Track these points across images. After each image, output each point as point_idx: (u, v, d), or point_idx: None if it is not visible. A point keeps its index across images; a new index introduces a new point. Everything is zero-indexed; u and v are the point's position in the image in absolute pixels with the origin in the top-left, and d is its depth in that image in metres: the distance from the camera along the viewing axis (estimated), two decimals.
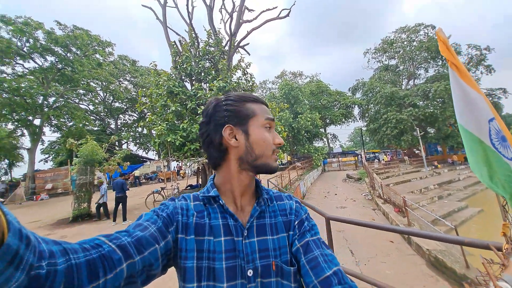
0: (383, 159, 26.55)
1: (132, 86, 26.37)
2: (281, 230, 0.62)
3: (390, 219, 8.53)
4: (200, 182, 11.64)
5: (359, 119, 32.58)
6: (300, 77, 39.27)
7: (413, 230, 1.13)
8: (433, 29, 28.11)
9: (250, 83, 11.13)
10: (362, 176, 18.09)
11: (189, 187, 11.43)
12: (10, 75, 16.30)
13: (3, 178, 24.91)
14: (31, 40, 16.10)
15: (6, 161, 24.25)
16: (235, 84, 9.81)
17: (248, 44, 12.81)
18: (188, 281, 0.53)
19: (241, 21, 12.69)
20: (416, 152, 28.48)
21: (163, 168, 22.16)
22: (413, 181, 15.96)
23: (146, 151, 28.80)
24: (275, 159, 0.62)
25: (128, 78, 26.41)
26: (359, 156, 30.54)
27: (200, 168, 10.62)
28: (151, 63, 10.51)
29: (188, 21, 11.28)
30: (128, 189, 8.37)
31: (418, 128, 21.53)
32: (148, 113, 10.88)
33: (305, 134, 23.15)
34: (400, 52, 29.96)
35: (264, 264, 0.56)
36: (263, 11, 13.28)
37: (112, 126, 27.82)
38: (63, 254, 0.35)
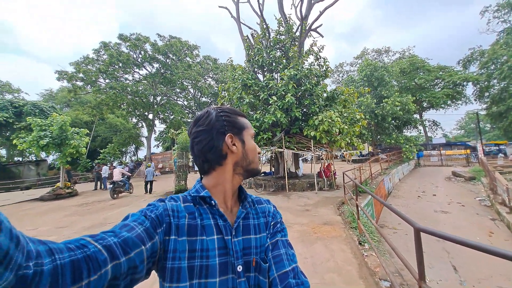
0: None
1: (214, 82, 29.70)
2: (262, 230, 0.69)
3: None
4: (273, 169, 12.05)
5: (474, 100, 25.00)
6: (386, 54, 33.37)
7: None
8: None
9: (324, 68, 10.35)
10: (477, 175, 14.00)
11: (263, 174, 12.06)
12: (130, 81, 21.53)
13: (133, 158, 34.07)
14: (142, 52, 20.61)
15: (133, 146, 32.86)
16: (306, 71, 9.36)
17: (321, 25, 11.83)
18: (180, 281, 0.54)
19: (312, 1, 11.81)
20: None
21: None
22: None
23: None
24: (257, 164, 0.73)
25: (211, 75, 29.86)
26: (474, 148, 23.63)
27: (273, 156, 10.94)
28: (228, 59, 11.40)
29: (259, 13, 11.45)
30: None
31: None
32: (228, 105, 11.99)
33: (393, 121, 19.69)
34: None
35: (246, 260, 0.62)
36: None
37: None
38: (49, 254, 0.35)
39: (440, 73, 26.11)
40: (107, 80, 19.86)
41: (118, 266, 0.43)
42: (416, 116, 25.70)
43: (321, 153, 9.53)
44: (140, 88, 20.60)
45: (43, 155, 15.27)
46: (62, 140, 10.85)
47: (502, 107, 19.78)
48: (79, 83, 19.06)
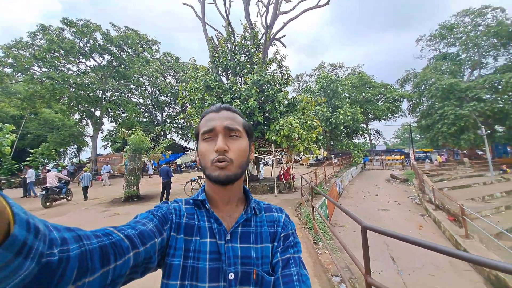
0: (436, 160, 23.48)
1: (175, 81, 28.25)
2: (265, 240, 0.64)
3: (442, 228, 7.53)
4: None
5: (408, 114, 29.22)
6: (340, 69, 36.80)
7: (488, 260, 0.89)
8: (502, 12, 23.47)
9: (286, 76, 10.83)
10: (410, 178, 16.35)
11: None
12: (75, 72, 18.92)
13: (73, 160, 29.71)
14: (91, 41, 18.34)
15: (75, 146, 28.74)
16: (270, 78, 9.65)
17: (284, 36, 12.41)
18: (171, 279, 0.55)
19: (277, 12, 12.33)
20: (480, 153, 24.44)
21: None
22: (474, 187, 13.74)
23: (187, 141, 30.78)
24: (214, 169, 0.59)
25: (171, 74, 28.32)
26: (407, 155, 27.58)
27: None
28: (190, 59, 11.00)
29: (225, 16, 11.42)
30: (173, 176, 9.11)
31: (483, 126, 18.30)
32: (188, 106, 11.50)
33: (344, 129, 21.75)
34: (463, 38, 25.57)
35: (245, 271, 0.57)
36: (301, 1, 12.66)
37: (158, 118, 30.39)
38: (77, 240, 0.36)
39: (383, 89, 29.96)
40: (43, 69, 17.02)
41: (137, 254, 0.46)
42: (363, 125, 28.92)
43: (282, 157, 9.88)
44: (86, 81, 18.15)
45: None
46: None
47: (429, 121, 23.57)
48: (8, 70, 15.91)
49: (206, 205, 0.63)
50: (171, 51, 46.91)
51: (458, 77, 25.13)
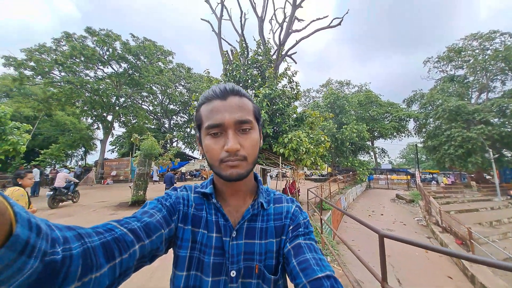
0: (443, 182, 23.13)
1: (185, 90, 29.06)
2: (270, 235, 0.61)
3: None
4: None
5: (414, 134, 29.14)
6: (347, 86, 37.39)
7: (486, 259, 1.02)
8: (511, 37, 23.83)
9: (295, 91, 11.16)
10: (415, 199, 16.14)
11: None
12: (92, 78, 19.73)
13: (79, 163, 30.17)
14: (110, 50, 19.27)
15: (83, 148, 29.31)
16: (280, 92, 9.97)
17: (295, 53, 12.92)
18: (178, 269, 0.57)
19: (290, 30, 12.91)
20: (487, 177, 24.01)
21: (206, 166, 23.60)
22: (481, 211, 13.47)
23: (192, 150, 31.10)
24: (225, 167, 0.55)
25: (183, 84, 29.19)
26: (413, 175, 27.26)
27: None
28: (205, 71, 11.47)
29: (240, 32, 12.02)
30: (176, 183, 9.24)
31: (491, 150, 18.17)
32: None
33: (350, 146, 21.79)
34: (470, 62, 25.92)
35: (248, 266, 0.57)
36: (313, 21, 13.27)
37: (166, 125, 31.03)
38: (78, 238, 0.36)
39: (389, 108, 30.19)
40: (62, 73, 17.82)
41: (143, 247, 0.47)
42: (369, 143, 28.90)
43: (287, 170, 9.98)
44: (102, 87, 18.87)
45: None
46: None
47: (435, 141, 23.46)
48: (28, 72, 16.70)
49: (213, 199, 0.61)
50: (181, 62, 48.43)
51: (466, 99, 25.24)
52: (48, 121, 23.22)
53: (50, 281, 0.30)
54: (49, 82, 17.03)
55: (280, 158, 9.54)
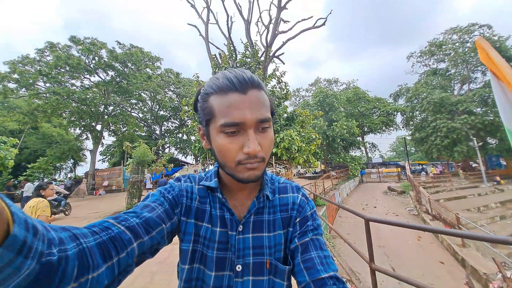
0: (431, 172, 23.90)
1: (175, 96, 28.91)
2: (278, 227, 0.60)
3: (440, 238, 7.71)
4: None
5: (402, 127, 30.05)
6: (335, 84, 38.15)
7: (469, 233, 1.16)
8: (489, 29, 24.89)
9: (285, 91, 11.36)
10: (406, 190, 16.61)
11: None
12: (79, 87, 19.38)
13: (69, 175, 29.43)
14: (96, 58, 19.00)
15: (72, 160, 28.63)
16: (270, 92, 10.11)
17: (283, 53, 13.18)
18: (182, 262, 0.57)
19: (276, 32, 13.14)
20: (473, 165, 24.98)
21: (200, 171, 23.50)
22: (469, 198, 14.03)
23: (185, 155, 30.92)
24: (242, 170, 0.51)
25: (172, 89, 29.03)
26: (403, 167, 28.01)
27: None
28: (194, 75, 11.53)
29: (227, 35, 12.14)
30: None
31: (475, 138, 18.95)
32: (189, 121, 11.84)
33: (341, 142, 22.25)
34: (451, 55, 26.99)
35: (258, 262, 0.56)
36: (299, 22, 13.57)
37: (157, 132, 30.74)
38: (73, 239, 0.36)
39: (377, 103, 31.01)
40: (47, 84, 17.43)
41: (142, 243, 0.46)
42: (359, 138, 29.55)
43: (280, 169, 10.13)
44: (89, 96, 18.55)
45: None
46: None
47: (422, 133, 24.26)
48: (12, 85, 16.26)
49: (219, 194, 0.59)
50: (169, 66, 48.12)
51: (449, 91, 26.24)
52: (34, 134, 22.58)
53: (46, 282, 0.30)
54: (34, 94, 16.62)
55: (273, 158, 9.68)
